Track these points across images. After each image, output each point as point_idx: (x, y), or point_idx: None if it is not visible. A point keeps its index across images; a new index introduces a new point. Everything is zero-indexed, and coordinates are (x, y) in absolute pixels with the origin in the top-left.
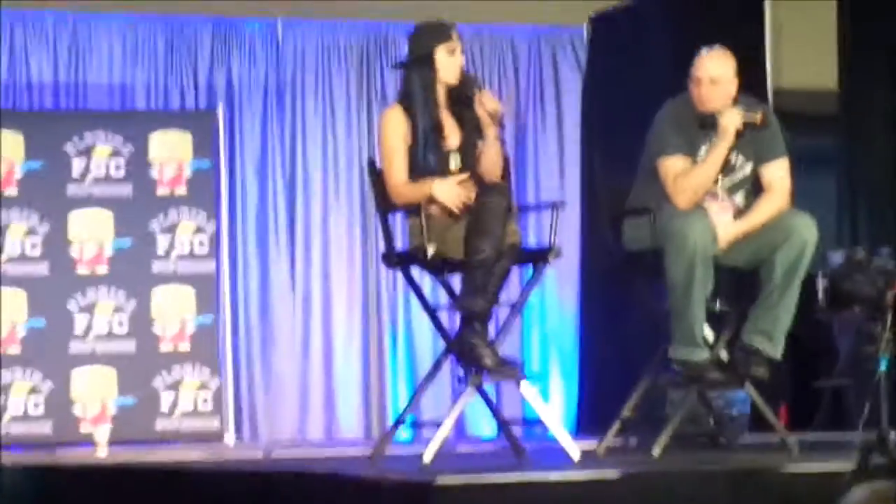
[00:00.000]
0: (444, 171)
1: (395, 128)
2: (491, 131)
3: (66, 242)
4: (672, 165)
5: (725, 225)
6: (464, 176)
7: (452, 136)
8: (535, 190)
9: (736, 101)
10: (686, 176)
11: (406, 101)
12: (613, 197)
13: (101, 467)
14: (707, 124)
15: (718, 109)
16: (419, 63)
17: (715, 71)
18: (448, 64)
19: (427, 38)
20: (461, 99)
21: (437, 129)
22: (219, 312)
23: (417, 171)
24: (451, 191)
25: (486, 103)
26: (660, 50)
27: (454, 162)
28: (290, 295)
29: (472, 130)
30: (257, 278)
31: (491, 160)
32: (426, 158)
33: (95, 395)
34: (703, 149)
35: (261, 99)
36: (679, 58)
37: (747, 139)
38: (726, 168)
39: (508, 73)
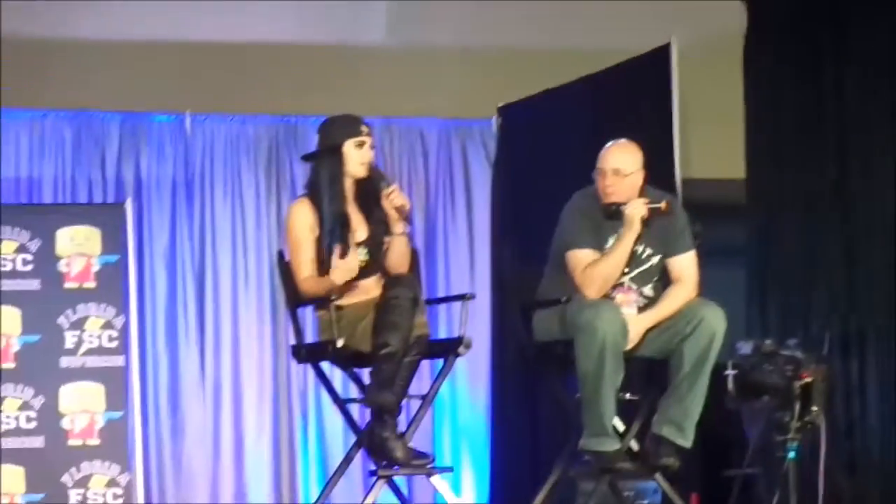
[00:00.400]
0: None
1: (302, 220)
2: (398, 226)
3: None
4: (580, 257)
5: (633, 319)
6: (373, 280)
7: (360, 229)
8: (445, 282)
9: (642, 193)
10: (594, 266)
11: (313, 193)
12: (523, 287)
13: None
14: (613, 215)
15: (623, 201)
16: (327, 155)
17: (618, 163)
18: (356, 157)
19: (336, 130)
20: (369, 193)
21: (343, 223)
22: (128, 407)
23: (325, 263)
24: (343, 269)
25: (395, 199)
26: (567, 140)
27: (362, 255)
28: (201, 388)
29: (379, 224)
30: (167, 371)
31: (398, 254)
32: (332, 250)
33: (6, 489)
34: (611, 240)
35: (169, 192)
36: (586, 148)
37: (655, 232)
38: (634, 260)
39: (418, 164)
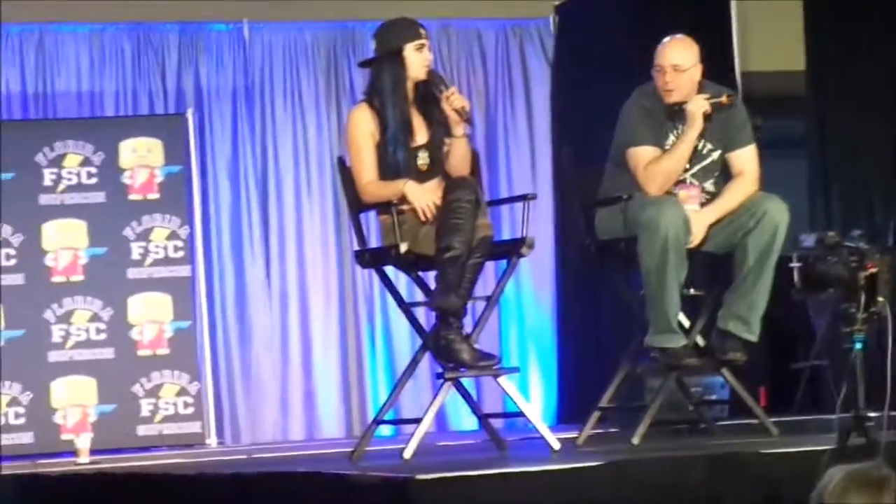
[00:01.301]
0: (412, 167)
1: (362, 126)
2: (459, 129)
3: (40, 252)
4: (641, 155)
5: (696, 215)
6: (435, 182)
7: (420, 132)
8: (507, 183)
9: (701, 88)
10: (656, 163)
11: (373, 98)
12: (585, 187)
13: (83, 475)
14: (674, 113)
15: (684, 97)
16: (388, 60)
17: (676, 58)
18: (417, 61)
19: (395, 34)
20: (428, 96)
21: (405, 127)
22: (196, 317)
23: (386, 168)
24: (422, 196)
25: (454, 101)
26: (626, 37)
27: (422, 159)
28: (267, 296)
29: (439, 127)
30: (233, 281)
31: (459, 157)
32: (395, 155)
33: (76, 403)
34: (671, 137)
35: (230, 102)
36: (646, 44)
37: (715, 127)
38: (695, 155)
39: (476, 67)
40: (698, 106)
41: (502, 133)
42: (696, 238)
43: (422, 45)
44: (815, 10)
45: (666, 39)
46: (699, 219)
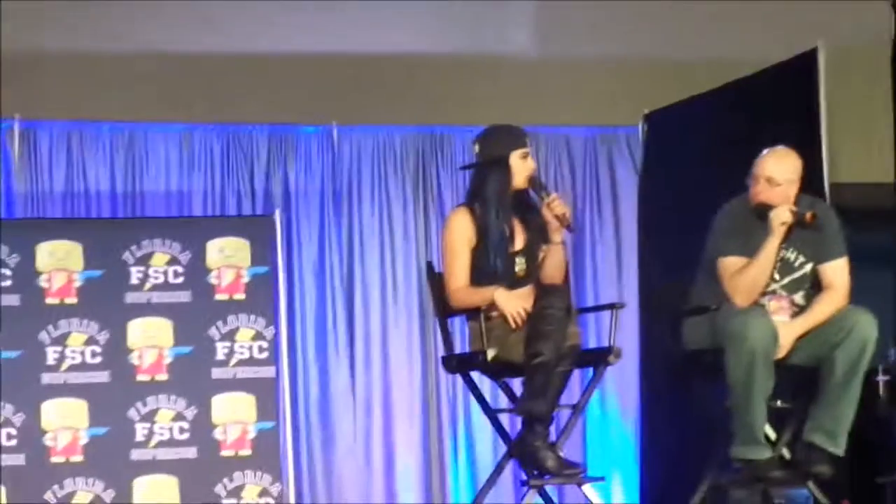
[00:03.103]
0: (509, 273)
1: (461, 231)
2: (557, 235)
3: (125, 350)
4: (729, 264)
5: (785, 327)
6: (527, 289)
7: (518, 238)
8: (594, 291)
9: (796, 202)
10: (741, 273)
11: (474, 203)
12: (671, 295)
13: None
14: (761, 216)
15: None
16: (493, 166)
17: (770, 171)
18: (521, 168)
19: (501, 142)
20: (526, 202)
21: (507, 234)
22: (280, 418)
23: (481, 273)
24: (512, 302)
25: (555, 207)
26: (714, 146)
27: (519, 265)
28: (351, 398)
29: (536, 233)
30: (317, 382)
31: (554, 264)
32: (493, 261)
33: (159, 503)
34: None
35: (317, 203)
36: (733, 154)
37: (807, 239)
38: (786, 267)
39: (565, 172)
40: (779, 216)
41: (589, 239)
42: (783, 349)
43: (526, 154)
44: None
45: (766, 151)
46: (788, 330)
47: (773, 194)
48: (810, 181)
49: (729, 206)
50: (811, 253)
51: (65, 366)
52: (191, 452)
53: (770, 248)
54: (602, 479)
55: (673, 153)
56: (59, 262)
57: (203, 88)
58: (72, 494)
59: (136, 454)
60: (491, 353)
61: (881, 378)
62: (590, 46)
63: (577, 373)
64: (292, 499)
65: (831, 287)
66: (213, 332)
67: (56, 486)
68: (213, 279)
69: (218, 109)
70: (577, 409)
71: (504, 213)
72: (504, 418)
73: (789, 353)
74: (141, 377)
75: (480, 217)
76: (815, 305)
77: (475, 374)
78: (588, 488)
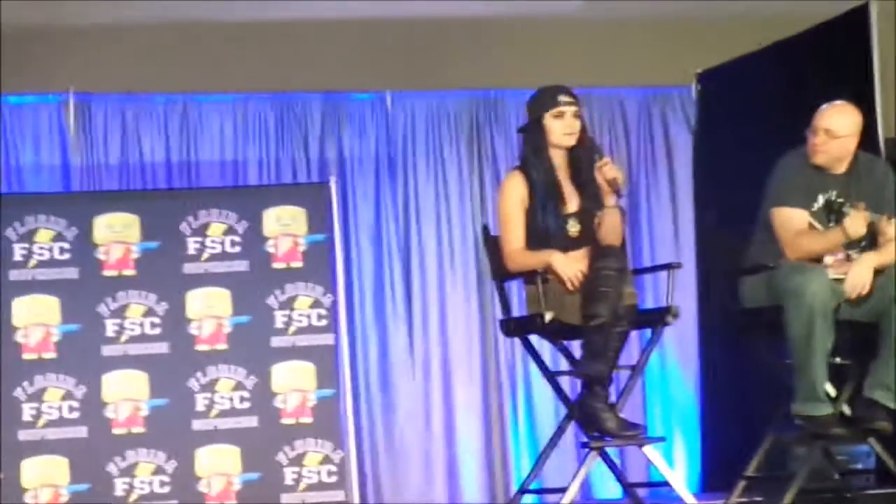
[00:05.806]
0: (562, 235)
1: (514, 192)
2: (610, 199)
3: (185, 321)
4: (787, 215)
5: (858, 264)
6: (583, 252)
7: (571, 200)
8: (650, 251)
9: (854, 157)
10: (807, 239)
11: (524, 165)
12: (728, 254)
13: None
14: (837, 216)
15: (831, 161)
16: (531, 128)
17: (830, 124)
18: (557, 128)
19: (536, 104)
20: (582, 164)
21: (555, 194)
22: (339, 385)
23: (535, 235)
24: (569, 266)
25: (607, 172)
26: (768, 103)
27: (573, 226)
28: (410, 364)
29: (591, 195)
30: (376, 348)
31: (610, 227)
32: (545, 222)
33: (220, 472)
34: (821, 198)
35: (372, 170)
36: (786, 111)
37: (865, 193)
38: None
39: (619, 135)
40: (856, 227)
41: (645, 200)
42: (865, 286)
43: (561, 113)
44: None
45: (827, 104)
46: (862, 267)
47: (832, 147)
48: (864, 135)
49: (785, 158)
50: (869, 208)
51: (124, 338)
52: (252, 421)
53: (837, 240)
54: (663, 439)
55: (726, 112)
56: (117, 235)
57: (256, 58)
58: (134, 466)
59: (197, 424)
60: (548, 316)
61: None
62: (640, 7)
63: (636, 334)
64: (354, 466)
65: (892, 241)
66: (271, 300)
67: (118, 458)
68: (270, 248)
69: (271, 78)
70: (637, 369)
71: (546, 173)
72: (563, 381)
73: (862, 297)
74: (200, 347)
75: (530, 179)
76: (883, 247)
77: (533, 338)
78: (649, 449)
